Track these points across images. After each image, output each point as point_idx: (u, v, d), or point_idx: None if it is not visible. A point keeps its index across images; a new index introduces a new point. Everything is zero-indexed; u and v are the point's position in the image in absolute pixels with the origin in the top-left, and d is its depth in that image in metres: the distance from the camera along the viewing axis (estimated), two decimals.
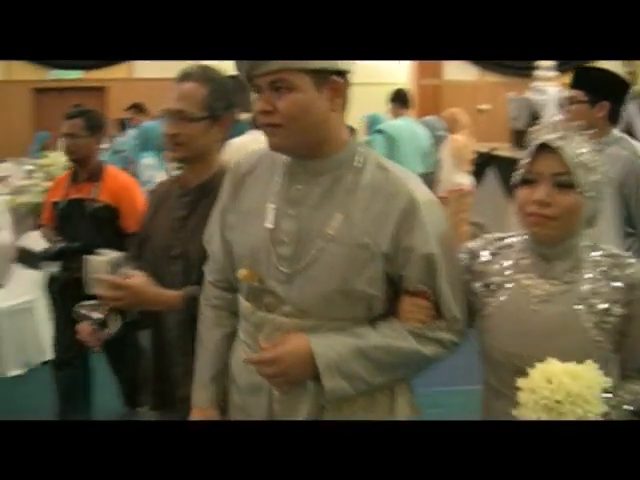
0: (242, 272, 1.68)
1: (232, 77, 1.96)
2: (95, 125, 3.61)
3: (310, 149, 1.61)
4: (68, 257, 3.40)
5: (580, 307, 1.57)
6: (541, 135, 1.57)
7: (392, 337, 1.60)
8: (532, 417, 1.39)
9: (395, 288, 1.64)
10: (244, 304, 1.72)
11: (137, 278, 2.02)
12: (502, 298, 1.64)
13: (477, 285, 1.68)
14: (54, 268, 3.48)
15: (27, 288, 4.63)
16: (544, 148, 1.55)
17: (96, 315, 2.09)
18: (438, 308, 1.62)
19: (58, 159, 5.47)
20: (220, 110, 2.08)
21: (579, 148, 1.54)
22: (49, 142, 7.68)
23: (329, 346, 1.57)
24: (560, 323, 1.56)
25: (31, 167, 6.78)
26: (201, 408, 1.81)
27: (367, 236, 1.58)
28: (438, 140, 6.78)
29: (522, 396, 1.42)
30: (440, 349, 1.62)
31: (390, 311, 1.64)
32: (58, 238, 3.45)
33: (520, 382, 1.44)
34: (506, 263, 1.67)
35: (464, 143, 6.82)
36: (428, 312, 1.61)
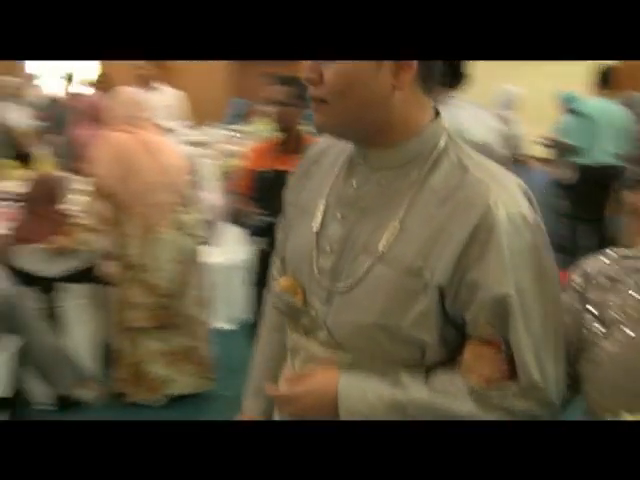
0: (282, 281, 1.35)
1: None
2: (304, 94, 3.49)
3: (366, 135, 1.24)
4: (271, 231, 3.43)
5: None
6: None
7: (444, 394, 1.18)
8: None
9: (460, 331, 1.21)
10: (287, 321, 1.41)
11: None
12: (617, 344, 1.19)
13: (588, 318, 1.25)
14: (261, 245, 3.41)
15: (240, 247, 4.71)
16: None
17: None
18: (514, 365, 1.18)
19: (264, 126, 5.84)
20: None
21: None
22: (250, 110, 8.00)
23: (359, 390, 1.21)
24: None
25: (234, 133, 7.24)
26: (250, 417, 1.56)
27: (420, 258, 1.17)
28: None
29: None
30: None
31: (454, 359, 1.23)
32: (262, 211, 3.37)
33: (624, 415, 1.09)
34: (630, 294, 1.21)
35: None
36: (497, 367, 1.18)
